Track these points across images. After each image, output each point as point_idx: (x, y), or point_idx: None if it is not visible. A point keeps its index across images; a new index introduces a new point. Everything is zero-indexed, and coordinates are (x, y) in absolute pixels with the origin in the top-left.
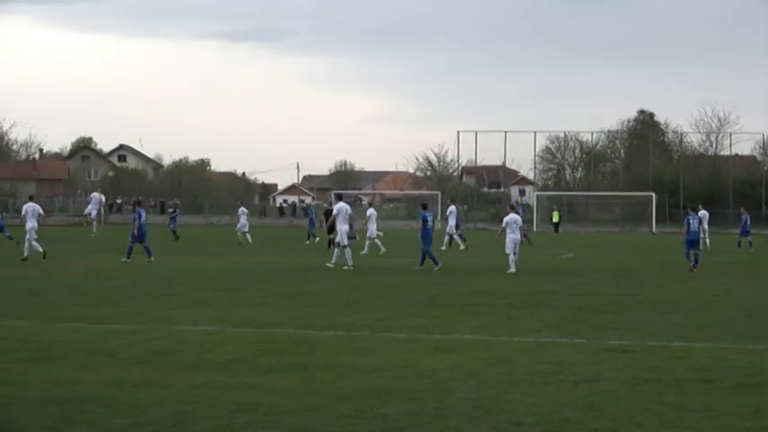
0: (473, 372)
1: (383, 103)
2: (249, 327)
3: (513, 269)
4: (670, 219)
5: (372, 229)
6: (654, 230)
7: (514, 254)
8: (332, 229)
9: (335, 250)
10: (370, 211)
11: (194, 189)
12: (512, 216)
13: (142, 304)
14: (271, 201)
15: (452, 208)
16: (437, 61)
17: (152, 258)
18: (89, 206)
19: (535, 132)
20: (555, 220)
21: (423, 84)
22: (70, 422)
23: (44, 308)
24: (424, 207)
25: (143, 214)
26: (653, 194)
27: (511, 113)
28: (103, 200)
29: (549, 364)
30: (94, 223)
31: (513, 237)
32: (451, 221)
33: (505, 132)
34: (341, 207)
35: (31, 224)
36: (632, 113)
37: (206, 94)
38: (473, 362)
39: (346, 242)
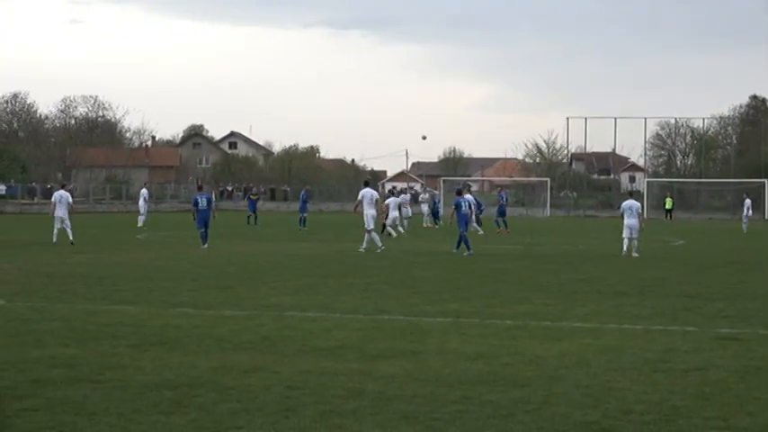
0: (582, 359)
1: (491, 89)
2: (357, 313)
3: (634, 253)
4: None
5: (393, 215)
6: (767, 217)
7: (629, 239)
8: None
9: (366, 235)
10: (390, 199)
11: (304, 176)
12: (629, 202)
13: (252, 290)
14: (380, 187)
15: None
16: (545, 47)
17: (205, 246)
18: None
19: (645, 119)
20: (668, 206)
21: (531, 70)
22: (182, 406)
23: (156, 293)
24: (459, 193)
25: (199, 200)
26: (765, 181)
27: (621, 100)
28: (146, 195)
29: (659, 352)
30: (141, 217)
31: (628, 222)
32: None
33: (615, 119)
34: (365, 192)
35: (60, 212)
36: (744, 99)
37: (315, 81)
38: (582, 349)
39: (371, 226)
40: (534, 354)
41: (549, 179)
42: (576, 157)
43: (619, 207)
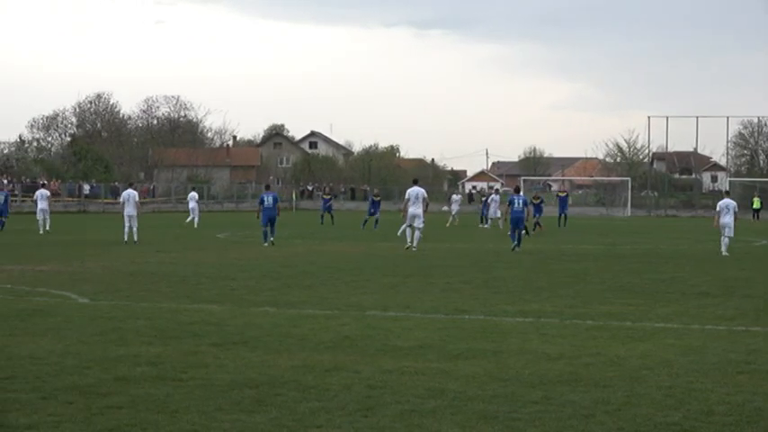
0: (664, 360)
1: (571, 89)
2: (438, 313)
3: (724, 251)
4: None
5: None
6: None
7: (728, 237)
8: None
9: (407, 231)
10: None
11: (384, 176)
12: (725, 201)
13: (333, 289)
14: (460, 187)
15: (495, 197)
16: (626, 47)
17: (268, 243)
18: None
19: (728, 117)
20: (756, 206)
21: (611, 69)
22: (263, 405)
23: (238, 292)
24: (516, 191)
25: (265, 198)
26: None
27: (702, 98)
28: (196, 197)
29: (742, 353)
30: (194, 218)
31: (723, 220)
32: (493, 207)
33: (697, 117)
34: (410, 192)
35: (129, 211)
36: None
37: (396, 80)
38: (664, 350)
39: (418, 224)
40: (616, 354)
41: (629, 179)
42: (658, 156)
43: (716, 206)
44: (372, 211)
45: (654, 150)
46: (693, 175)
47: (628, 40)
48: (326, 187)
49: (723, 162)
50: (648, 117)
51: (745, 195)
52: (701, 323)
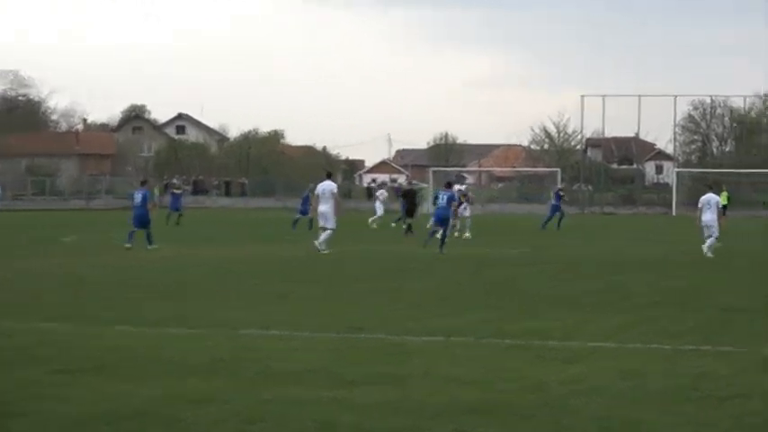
0: (599, 385)
1: (491, 63)
2: (329, 330)
3: (707, 253)
4: None
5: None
6: None
7: (710, 237)
8: (411, 212)
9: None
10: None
11: (265, 165)
12: (707, 196)
13: (204, 303)
14: (357, 180)
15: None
16: (558, 12)
17: (151, 246)
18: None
19: (675, 97)
20: (723, 202)
21: (540, 39)
22: None
23: (88, 307)
24: (448, 186)
25: (137, 196)
26: None
27: (646, 75)
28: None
29: (692, 377)
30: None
31: (705, 218)
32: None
33: (639, 97)
34: (319, 187)
35: None
36: None
37: (281, 53)
38: (599, 373)
39: (330, 225)
40: (540, 379)
41: (559, 170)
42: (593, 143)
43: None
44: (304, 209)
45: (588, 136)
46: (635, 165)
47: (560, 3)
48: (176, 180)
49: (670, 150)
50: (582, 96)
51: (695, 189)
52: (644, 341)
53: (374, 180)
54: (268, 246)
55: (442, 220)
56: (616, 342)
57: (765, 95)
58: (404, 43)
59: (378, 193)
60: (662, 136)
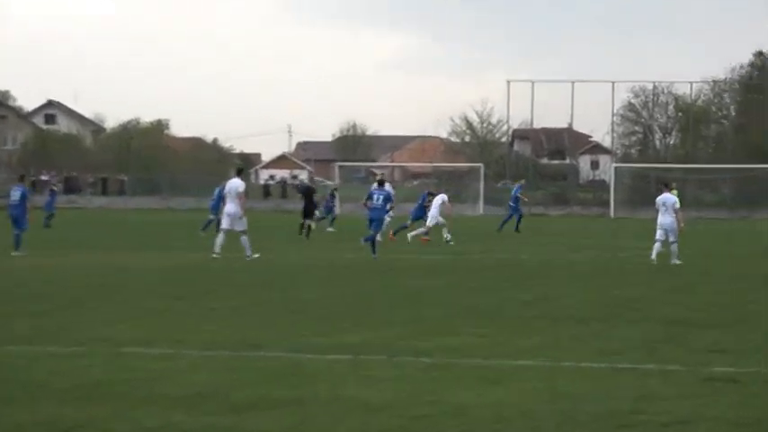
0: (526, 410)
1: (406, 44)
2: (221, 348)
3: (653, 258)
4: None
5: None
6: None
7: (661, 242)
8: (308, 213)
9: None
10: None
11: (147, 160)
12: (663, 196)
13: (78, 318)
14: (252, 176)
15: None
16: None
17: (16, 253)
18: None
19: (614, 83)
20: None
21: (461, 18)
22: None
23: None
24: (380, 184)
25: (14, 193)
26: None
27: (581, 58)
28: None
29: (629, 400)
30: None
31: (662, 220)
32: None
33: (573, 83)
34: (228, 185)
35: None
36: (747, 57)
37: (165, 33)
38: (526, 396)
39: (240, 227)
40: (460, 402)
41: (482, 165)
42: (520, 134)
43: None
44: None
45: (515, 127)
46: (568, 160)
47: None
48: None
49: (607, 142)
50: (508, 82)
51: (635, 187)
52: (576, 359)
53: (272, 177)
54: (152, 251)
55: (377, 223)
56: (546, 360)
57: (714, 81)
58: (307, 20)
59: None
60: (598, 127)
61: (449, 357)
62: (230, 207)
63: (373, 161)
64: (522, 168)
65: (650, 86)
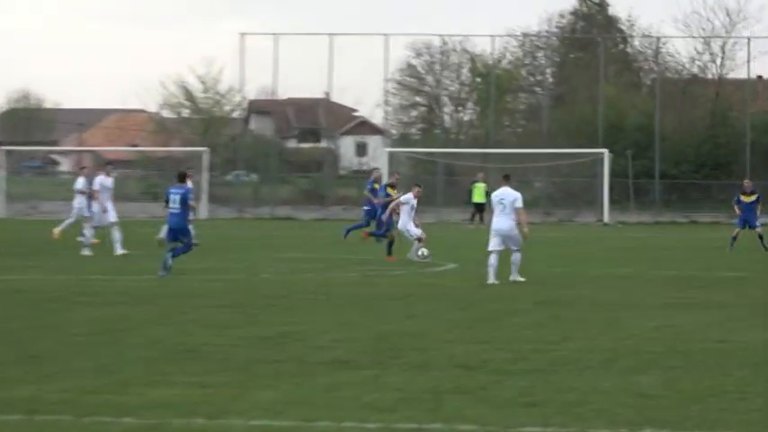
0: None
1: None
2: None
3: (492, 277)
4: (638, 197)
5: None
6: (607, 219)
7: (497, 252)
8: None
9: None
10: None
11: None
12: (500, 191)
13: None
14: None
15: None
16: None
17: None
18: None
19: (387, 36)
20: (477, 198)
21: None
22: None
23: None
24: (182, 179)
25: None
26: (605, 152)
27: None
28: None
29: None
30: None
31: (497, 224)
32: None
33: (331, 36)
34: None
35: None
36: (568, 3)
37: None
38: None
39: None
40: None
41: (206, 149)
42: (259, 108)
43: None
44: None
45: (252, 98)
46: (323, 143)
47: None
48: None
49: (378, 119)
50: (242, 35)
51: (418, 178)
52: (337, 418)
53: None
54: None
55: (177, 232)
56: (295, 420)
57: (525, 35)
58: None
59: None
60: (366, 98)
61: (159, 417)
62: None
63: (53, 144)
64: (260, 155)
65: (437, 42)
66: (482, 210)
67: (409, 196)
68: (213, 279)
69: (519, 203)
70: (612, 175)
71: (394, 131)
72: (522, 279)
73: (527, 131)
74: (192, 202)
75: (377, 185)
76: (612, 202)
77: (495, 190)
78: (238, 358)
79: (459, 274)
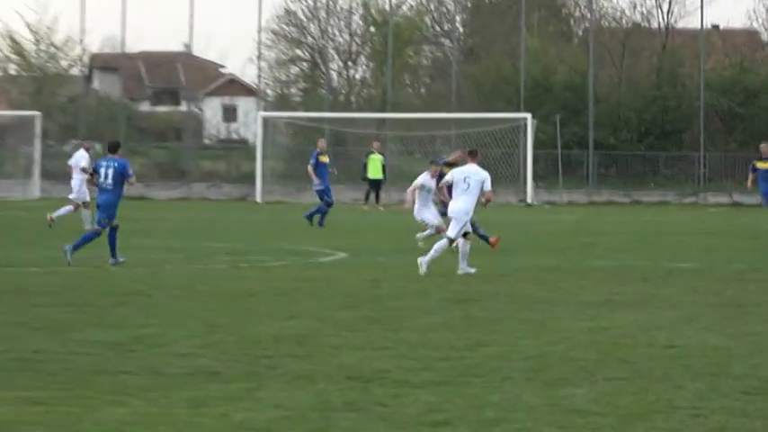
0: None
1: None
2: None
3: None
4: (568, 172)
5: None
6: (530, 198)
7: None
8: None
9: None
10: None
11: None
12: (464, 168)
13: None
14: None
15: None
16: None
17: None
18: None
19: None
20: (373, 173)
21: None
22: None
23: None
24: (114, 149)
25: None
26: (528, 117)
27: None
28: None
29: None
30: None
31: (456, 206)
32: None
33: None
34: None
35: None
36: None
37: None
38: None
39: None
40: None
41: (39, 113)
42: (104, 64)
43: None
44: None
45: (96, 51)
46: (185, 106)
47: None
48: None
49: (251, 77)
50: None
51: (301, 151)
52: None
53: None
54: None
55: (107, 209)
56: None
57: None
58: None
59: None
60: (235, 51)
61: None
62: None
63: None
64: (106, 119)
65: None
66: (379, 187)
67: (426, 177)
68: (48, 272)
69: (488, 185)
70: (537, 145)
71: (269, 92)
72: (472, 271)
73: (432, 92)
74: (132, 179)
75: (324, 158)
76: (537, 177)
77: (393, 161)
78: (79, 369)
79: (350, 266)
